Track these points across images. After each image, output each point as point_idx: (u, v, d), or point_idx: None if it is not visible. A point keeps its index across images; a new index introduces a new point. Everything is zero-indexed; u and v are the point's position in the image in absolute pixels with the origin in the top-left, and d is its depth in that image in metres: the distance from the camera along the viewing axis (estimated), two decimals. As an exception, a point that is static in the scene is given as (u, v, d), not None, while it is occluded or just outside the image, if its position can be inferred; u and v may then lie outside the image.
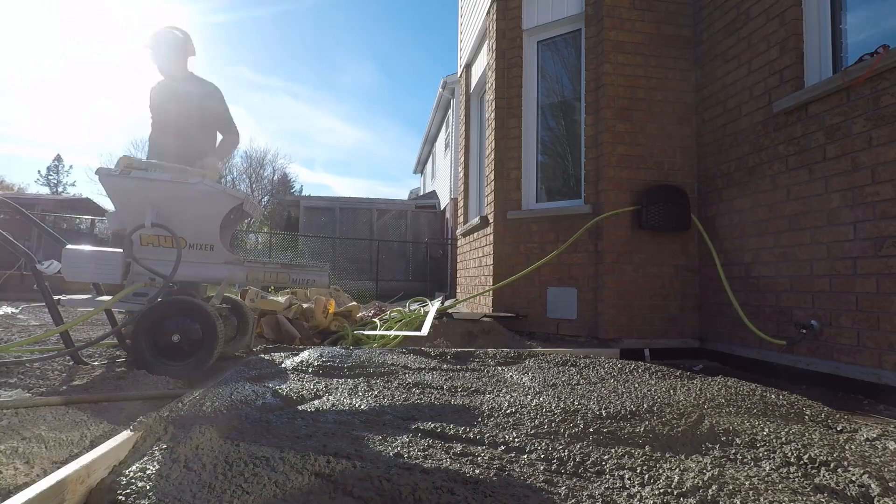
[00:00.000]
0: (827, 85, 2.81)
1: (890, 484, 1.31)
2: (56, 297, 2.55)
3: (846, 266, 2.71)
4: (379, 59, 77.53)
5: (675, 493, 1.24)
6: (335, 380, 2.37)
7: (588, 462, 1.41)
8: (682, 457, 1.49)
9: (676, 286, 4.02)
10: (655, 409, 1.92)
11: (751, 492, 1.24)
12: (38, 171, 46.99)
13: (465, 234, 6.05)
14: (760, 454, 1.53)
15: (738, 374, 3.15)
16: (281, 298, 4.33)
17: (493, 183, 4.73)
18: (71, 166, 51.88)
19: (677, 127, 4.09)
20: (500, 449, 1.49)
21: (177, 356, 2.46)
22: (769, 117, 3.27)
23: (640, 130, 4.05)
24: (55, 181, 46.85)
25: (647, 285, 3.97)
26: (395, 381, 2.35)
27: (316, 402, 1.94)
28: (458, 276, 6.53)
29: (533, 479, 1.28)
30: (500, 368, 2.85)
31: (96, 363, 2.57)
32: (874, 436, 1.73)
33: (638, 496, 1.22)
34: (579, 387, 2.36)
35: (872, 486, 1.29)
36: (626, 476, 1.33)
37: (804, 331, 2.93)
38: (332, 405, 1.88)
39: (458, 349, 3.42)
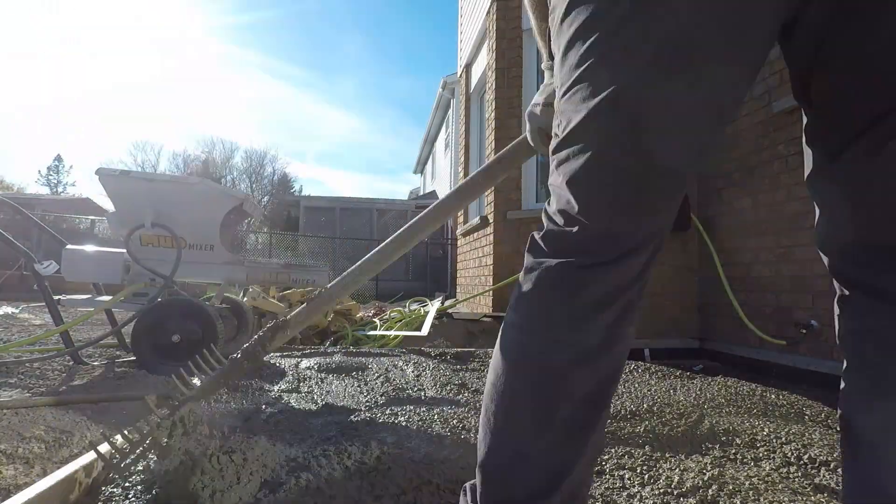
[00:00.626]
0: (827, 85, 2.80)
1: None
2: (56, 297, 2.55)
3: (846, 266, 2.70)
4: (373, 46, 76.31)
5: (676, 492, 1.24)
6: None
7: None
8: (682, 457, 1.49)
9: (676, 286, 4.01)
10: (655, 409, 1.93)
11: (751, 492, 1.25)
12: (39, 171, 47.00)
13: (465, 234, 6.05)
14: (760, 454, 1.53)
15: (739, 374, 3.14)
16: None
17: (493, 183, 4.72)
18: (71, 166, 51.91)
19: (677, 127, 4.08)
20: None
21: (177, 356, 2.46)
22: (769, 117, 3.27)
23: (640, 130, 4.04)
24: (55, 181, 46.88)
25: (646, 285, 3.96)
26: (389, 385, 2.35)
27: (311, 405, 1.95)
28: (458, 276, 6.53)
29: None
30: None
31: (96, 363, 2.57)
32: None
33: (638, 496, 1.22)
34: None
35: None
36: (626, 476, 1.33)
37: (804, 331, 2.93)
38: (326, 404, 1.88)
39: (459, 349, 3.42)
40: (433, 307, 4.65)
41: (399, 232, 1.23)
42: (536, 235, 0.77)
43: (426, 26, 76.74)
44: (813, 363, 2.90)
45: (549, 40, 0.81)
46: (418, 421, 1.71)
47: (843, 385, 0.71)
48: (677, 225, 3.92)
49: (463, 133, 6.56)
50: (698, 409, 1.97)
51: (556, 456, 0.71)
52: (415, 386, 2.30)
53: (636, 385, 2.40)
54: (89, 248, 2.75)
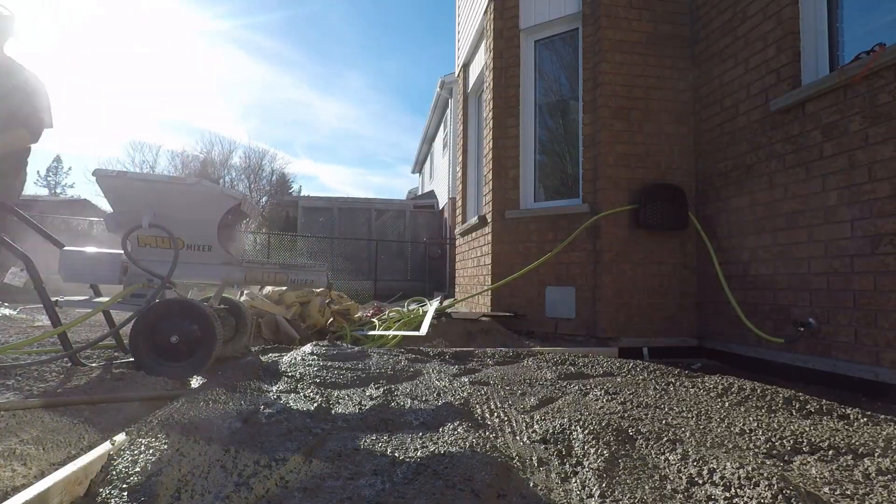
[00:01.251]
0: (824, 83, 2.81)
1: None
2: (54, 299, 2.55)
3: (843, 264, 2.71)
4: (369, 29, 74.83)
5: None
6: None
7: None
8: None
9: (674, 285, 4.02)
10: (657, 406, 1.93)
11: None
12: (38, 172, 46.76)
13: (463, 234, 6.05)
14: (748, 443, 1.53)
15: (737, 372, 3.15)
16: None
17: (491, 182, 4.73)
18: (70, 167, 51.71)
19: (675, 126, 4.10)
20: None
21: (175, 357, 2.45)
22: (766, 116, 3.28)
23: (637, 129, 4.05)
24: (54, 182, 46.76)
25: (645, 284, 3.98)
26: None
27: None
28: (457, 275, 6.54)
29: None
30: (499, 368, 2.85)
31: (94, 364, 2.57)
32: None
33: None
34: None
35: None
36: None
37: (802, 329, 2.94)
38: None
39: (457, 349, 3.42)
40: (432, 307, 4.65)
41: None
42: None
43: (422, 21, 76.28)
44: (811, 361, 2.91)
45: None
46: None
47: None
48: (675, 224, 3.94)
49: (461, 133, 6.56)
50: (696, 405, 1.97)
51: None
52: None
53: (635, 384, 2.40)
54: (87, 249, 2.74)
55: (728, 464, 1.31)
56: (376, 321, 4.61)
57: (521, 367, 2.84)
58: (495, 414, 1.88)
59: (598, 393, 2.22)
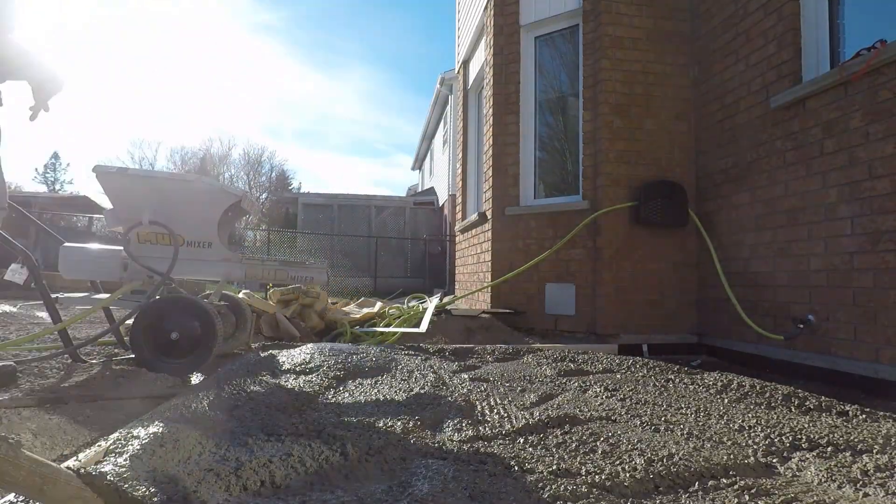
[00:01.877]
0: (824, 80, 2.81)
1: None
2: (54, 296, 2.55)
3: (843, 261, 2.71)
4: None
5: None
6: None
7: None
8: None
9: (674, 281, 4.02)
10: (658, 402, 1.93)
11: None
12: (36, 169, 46.74)
13: (463, 231, 6.05)
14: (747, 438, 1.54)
15: (737, 368, 3.15)
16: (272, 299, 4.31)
17: (491, 179, 4.72)
18: (69, 164, 51.60)
19: (675, 122, 4.09)
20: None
21: (176, 353, 2.46)
22: (767, 112, 3.27)
23: (637, 126, 4.05)
24: (52, 179, 46.70)
25: (645, 281, 3.98)
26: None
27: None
28: (457, 272, 6.54)
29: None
30: (499, 365, 2.85)
31: (94, 361, 2.57)
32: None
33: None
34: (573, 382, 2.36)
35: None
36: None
37: (801, 326, 2.94)
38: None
39: (457, 345, 3.43)
40: (431, 304, 4.65)
41: None
42: None
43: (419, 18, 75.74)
44: (810, 358, 2.92)
45: None
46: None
47: None
48: (676, 221, 3.93)
49: (461, 129, 6.55)
50: (696, 402, 1.97)
51: None
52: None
53: (635, 381, 2.40)
54: (87, 245, 2.74)
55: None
56: (356, 308, 4.57)
57: (520, 364, 2.84)
58: (495, 410, 1.89)
59: (598, 389, 2.23)
